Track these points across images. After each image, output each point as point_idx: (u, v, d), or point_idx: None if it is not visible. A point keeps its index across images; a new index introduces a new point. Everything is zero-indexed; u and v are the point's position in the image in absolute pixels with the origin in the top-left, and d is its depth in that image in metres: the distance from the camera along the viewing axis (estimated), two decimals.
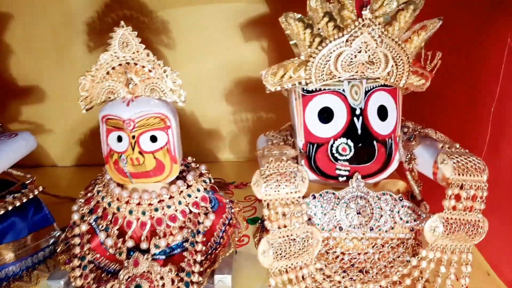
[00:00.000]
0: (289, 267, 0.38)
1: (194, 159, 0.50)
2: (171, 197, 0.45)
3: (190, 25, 0.75)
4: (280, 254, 0.37)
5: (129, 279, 0.41)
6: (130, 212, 0.44)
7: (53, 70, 0.78)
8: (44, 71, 0.78)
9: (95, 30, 0.75)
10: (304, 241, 0.38)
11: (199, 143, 0.85)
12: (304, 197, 0.39)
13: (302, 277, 0.39)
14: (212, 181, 0.49)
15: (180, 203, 0.45)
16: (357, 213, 0.42)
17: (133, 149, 0.42)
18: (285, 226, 0.37)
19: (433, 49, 0.44)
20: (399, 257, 0.43)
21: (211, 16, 0.75)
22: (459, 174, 0.37)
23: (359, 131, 0.41)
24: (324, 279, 0.40)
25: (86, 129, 0.83)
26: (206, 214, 0.46)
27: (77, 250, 0.44)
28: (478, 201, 0.37)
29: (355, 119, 0.41)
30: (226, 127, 0.84)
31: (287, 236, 0.37)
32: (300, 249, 0.38)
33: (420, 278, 0.40)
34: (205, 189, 0.47)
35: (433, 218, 0.38)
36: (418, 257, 0.40)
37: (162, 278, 0.41)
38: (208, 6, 0.74)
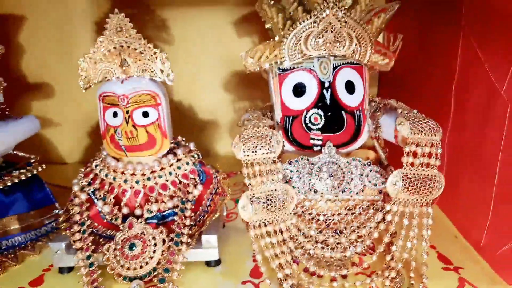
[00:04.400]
0: (268, 221, 0.43)
1: (184, 138, 0.55)
2: (162, 169, 0.50)
3: (188, 22, 0.82)
4: (258, 208, 0.42)
5: (124, 240, 0.46)
6: (125, 181, 0.48)
7: (60, 66, 0.83)
8: (51, 67, 0.83)
9: (99, 28, 0.79)
10: (280, 197, 0.42)
11: (197, 135, 0.90)
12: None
13: (280, 231, 0.43)
14: (200, 156, 0.53)
15: (170, 174, 0.50)
16: (330, 176, 0.46)
17: (127, 122, 0.47)
18: (262, 183, 0.42)
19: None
20: (370, 218, 0.47)
21: (207, 15, 0.82)
22: (415, 133, 0.42)
23: (328, 101, 0.46)
24: (301, 235, 0.45)
25: (94, 123, 0.87)
26: (195, 185, 0.51)
27: (77, 217, 0.48)
28: (433, 158, 0.42)
29: (324, 91, 0.46)
30: (224, 118, 0.89)
31: (264, 192, 0.42)
32: (276, 204, 0.42)
33: (386, 232, 0.44)
34: (193, 163, 0.52)
35: (394, 173, 0.42)
36: (383, 211, 0.44)
37: (154, 238, 0.46)
38: (204, 7, 0.81)
